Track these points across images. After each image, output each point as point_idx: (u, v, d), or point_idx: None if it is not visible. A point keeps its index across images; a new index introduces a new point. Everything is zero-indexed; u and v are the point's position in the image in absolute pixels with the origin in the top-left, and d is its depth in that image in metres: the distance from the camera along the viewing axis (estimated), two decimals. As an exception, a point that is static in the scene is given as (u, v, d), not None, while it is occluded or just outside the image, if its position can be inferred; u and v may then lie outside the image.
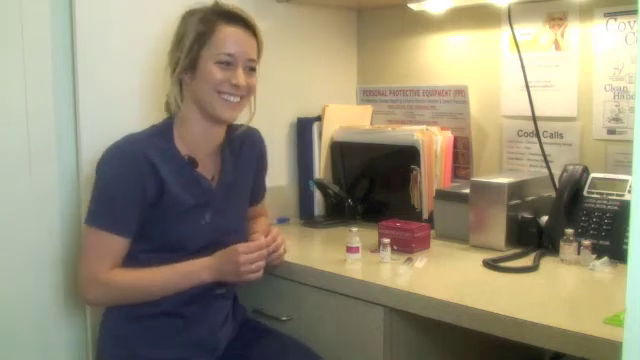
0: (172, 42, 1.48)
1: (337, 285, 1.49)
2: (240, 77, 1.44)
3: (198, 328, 1.44)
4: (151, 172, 1.39)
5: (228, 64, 1.43)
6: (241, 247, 1.40)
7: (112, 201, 1.39)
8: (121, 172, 1.39)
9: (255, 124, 1.88)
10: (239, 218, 1.57)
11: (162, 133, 1.46)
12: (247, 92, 1.48)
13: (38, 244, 1.60)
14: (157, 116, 1.73)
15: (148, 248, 1.42)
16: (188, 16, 1.47)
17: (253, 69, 1.49)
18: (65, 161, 1.63)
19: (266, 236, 1.51)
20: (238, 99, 1.46)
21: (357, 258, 1.57)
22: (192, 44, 1.43)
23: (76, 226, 1.65)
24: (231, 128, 1.56)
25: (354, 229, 1.60)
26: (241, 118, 1.56)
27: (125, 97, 1.69)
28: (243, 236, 1.53)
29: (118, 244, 1.39)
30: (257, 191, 1.67)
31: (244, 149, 1.59)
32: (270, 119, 2.02)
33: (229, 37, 1.43)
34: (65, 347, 1.67)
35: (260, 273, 1.43)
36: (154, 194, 1.39)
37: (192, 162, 1.47)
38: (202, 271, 1.40)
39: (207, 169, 1.50)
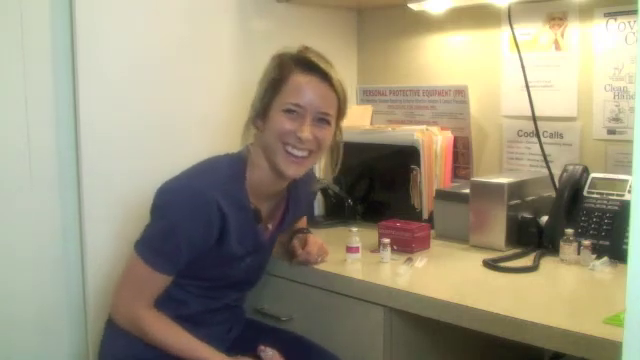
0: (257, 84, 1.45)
1: (337, 285, 1.49)
2: (306, 130, 1.36)
3: (206, 330, 1.43)
4: (220, 223, 1.35)
5: (295, 114, 1.37)
6: None
7: (174, 245, 1.34)
8: (193, 222, 1.33)
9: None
10: (270, 256, 1.58)
11: (236, 177, 1.40)
12: (316, 147, 1.39)
13: (38, 245, 1.61)
14: (156, 118, 1.74)
15: (182, 274, 1.40)
16: (272, 60, 1.43)
17: (326, 121, 1.40)
18: (65, 161, 1.63)
19: (303, 247, 1.55)
20: (305, 153, 1.39)
21: (357, 258, 1.57)
22: (266, 91, 1.39)
23: (76, 226, 1.65)
24: None
25: (354, 229, 1.60)
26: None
27: (125, 97, 1.69)
28: (265, 269, 1.57)
29: (164, 282, 1.37)
30: (305, 213, 1.72)
31: (300, 189, 1.55)
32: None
33: (300, 87, 1.37)
34: (66, 349, 1.67)
35: None
36: (214, 241, 1.37)
37: (257, 216, 1.44)
38: None
39: (265, 216, 1.48)
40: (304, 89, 1.37)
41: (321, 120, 1.39)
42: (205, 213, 1.33)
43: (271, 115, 1.38)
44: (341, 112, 1.44)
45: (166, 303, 1.39)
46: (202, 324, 1.43)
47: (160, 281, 1.37)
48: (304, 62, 1.39)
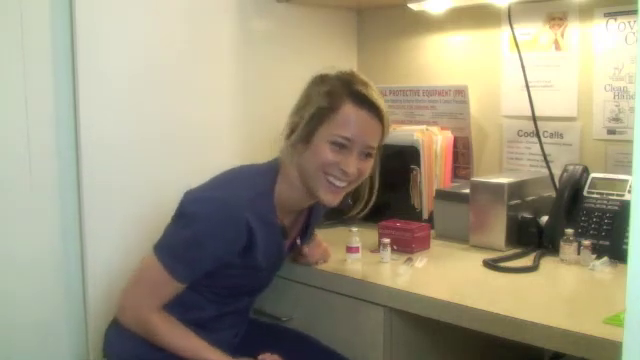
0: (297, 102, 1.41)
1: (337, 285, 1.49)
2: (351, 165, 1.35)
3: (215, 335, 1.43)
4: (246, 238, 1.34)
5: (342, 146, 1.34)
6: None
7: (197, 257, 1.34)
8: (219, 234, 1.32)
9: (255, 125, 1.89)
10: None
11: (266, 192, 1.39)
12: (356, 178, 1.39)
13: (38, 245, 1.60)
14: (156, 117, 1.74)
15: (201, 282, 1.39)
16: (317, 83, 1.40)
17: (369, 155, 1.39)
18: (65, 162, 1.63)
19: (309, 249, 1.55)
20: (344, 184, 1.38)
21: (357, 258, 1.57)
22: (312, 117, 1.35)
23: (76, 227, 1.65)
24: None
25: (354, 229, 1.60)
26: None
27: (125, 97, 1.69)
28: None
29: (178, 289, 1.36)
30: None
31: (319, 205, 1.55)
32: (270, 120, 2.01)
33: (351, 120, 1.34)
34: (66, 351, 1.67)
35: None
36: (237, 256, 1.36)
37: (284, 233, 1.44)
38: None
39: (288, 229, 1.48)
40: (355, 123, 1.34)
41: (364, 153, 1.38)
42: (232, 228, 1.32)
43: (316, 143, 1.35)
44: (384, 138, 1.42)
45: (176, 306, 1.38)
46: (211, 329, 1.43)
47: (174, 288, 1.36)
48: (356, 94, 1.35)
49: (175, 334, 1.36)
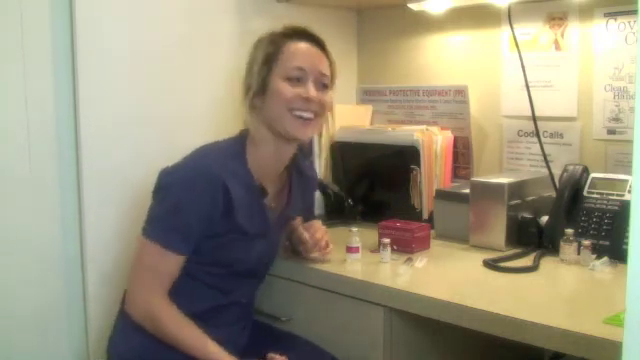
0: (245, 69, 1.49)
1: (337, 285, 1.49)
2: (311, 90, 1.42)
3: (221, 331, 1.43)
4: (225, 198, 1.36)
5: (298, 80, 1.42)
6: None
7: (182, 221, 1.36)
8: (198, 196, 1.36)
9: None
10: (279, 246, 1.59)
11: (236, 155, 1.44)
12: (320, 109, 1.44)
13: (38, 245, 1.61)
14: (157, 118, 1.75)
15: (194, 260, 1.40)
16: (259, 42, 1.48)
17: (326, 86, 1.47)
18: (65, 161, 1.63)
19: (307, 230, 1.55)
20: (311, 115, 1.43)
21: (357, 258, 1.57)
22: (261, 66, 1.43)
23: (76, 226, 1.65)
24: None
25: (354, 229, 1.60)
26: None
27: (125, 97, 1.69)
28: (272, 262, 1.57)
29: (178, 263, 1.38)
30: (310, 212, 1.71)
31: (304, 178, 1.59)
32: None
33: (298, 51, 1.43)
34: (65, 349, 1.67)
35: None
36: (221, 217, 1.38)
37: (263, 191, 1.46)
38: None
39: (272, 196, 1.49)
40: (302, 53, 1.43)
41: (321, 84, 1.45)
42: (209, 187, 1.36)
43: (272, 87, 1.42)
44: (333, 77, 1.50)
45: (179, 299, 1.39)
46: (214, 325, 1.42)
47: (173, 262, 1.37)
48: (295, 32, 1.45)
49: (182, 324, 1.37)
